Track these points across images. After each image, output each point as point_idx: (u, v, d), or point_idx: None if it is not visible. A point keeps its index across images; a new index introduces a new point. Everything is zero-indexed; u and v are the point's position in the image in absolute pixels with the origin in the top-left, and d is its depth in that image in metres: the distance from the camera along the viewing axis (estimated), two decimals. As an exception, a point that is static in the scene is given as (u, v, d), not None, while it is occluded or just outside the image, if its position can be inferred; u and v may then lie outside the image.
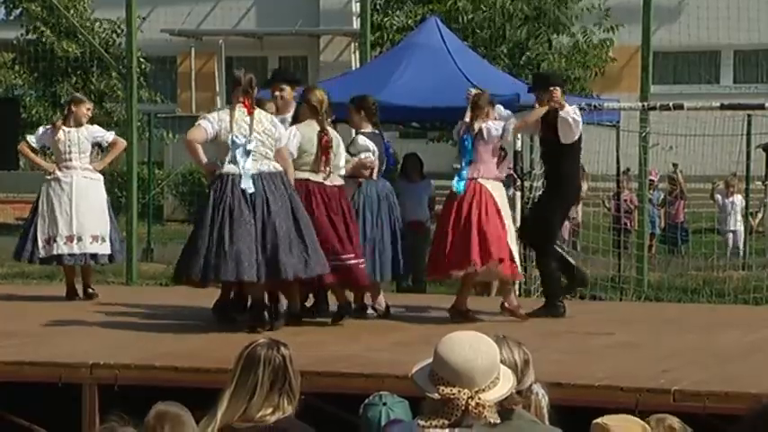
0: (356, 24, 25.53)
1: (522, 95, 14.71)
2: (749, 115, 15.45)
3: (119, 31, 25.41)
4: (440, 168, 23.78)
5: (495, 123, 10.60)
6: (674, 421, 4.56)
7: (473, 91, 10.93)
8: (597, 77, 23.84)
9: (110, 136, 12.32)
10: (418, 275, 15.72)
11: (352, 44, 29.82)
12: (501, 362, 3.89)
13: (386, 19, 24.79)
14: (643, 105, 14.46)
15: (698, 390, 7.52)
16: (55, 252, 11.84)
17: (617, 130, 15.89)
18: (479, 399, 3.68)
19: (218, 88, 32.49)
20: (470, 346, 3.76)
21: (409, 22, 24.14)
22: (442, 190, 22.64)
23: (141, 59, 17.59)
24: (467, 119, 10.66)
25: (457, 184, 10.52)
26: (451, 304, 10.60)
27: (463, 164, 10.64)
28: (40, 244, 11.84)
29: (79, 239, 11.80)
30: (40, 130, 12.60)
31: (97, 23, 26.14)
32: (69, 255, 11.85)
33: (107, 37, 25.97)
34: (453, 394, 3.67)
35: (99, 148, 12.88)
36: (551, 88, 10.57)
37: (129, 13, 15.96)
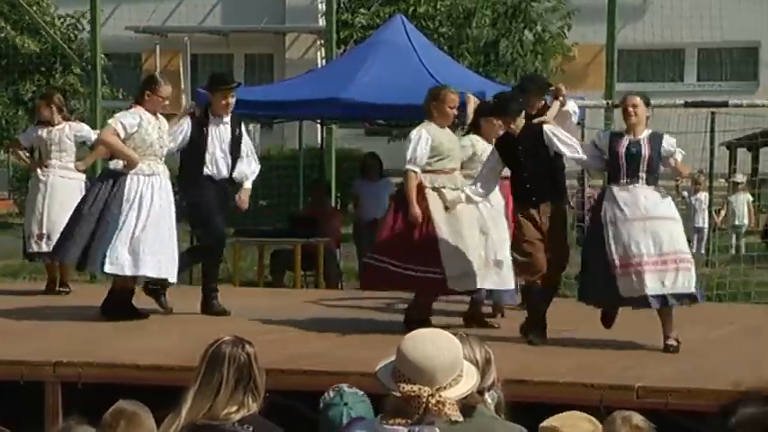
0: (322, 22, 25.47)
1: (488, 93, 14.75)
2: (713, 113, 15.51)
3: (80, 27, 25.27)
4: (404, 165, 23.76)
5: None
6: (639, 420, 4.57)
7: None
8: (560, 75, 23.91)
9: (94, 135, 12.22)
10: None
11: (318, 42, 29.78)
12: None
13: (352, 17, 24.79)
14: (608, 103, 14.50)
15: (661, 386, 7.57)
16: (29, 250, 12.05)
17: (581, 127, 15.93)
18: (440, 396, 3.68)
19: (183, 86, 32.34)
20: (432, 344, 3.76)
21: (376, 20, 24.14)
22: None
23: (103, 56, 17.49)
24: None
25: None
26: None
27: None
28: (27, 241, 12.09)
29: (48, 238, 11.80)
30: (29, 128, 12.71)
31: (60, 20, 25.98)
32: (38, 253, 11.96)
33: (69, 33, 25.81)
34: (414, 392, 3.67)
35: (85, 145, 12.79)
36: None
37: (93, 9, 15.87)
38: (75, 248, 10.26)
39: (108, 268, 10.20)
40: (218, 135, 10.58)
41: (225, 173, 10.62)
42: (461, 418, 3.73)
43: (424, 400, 3.67)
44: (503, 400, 4.65)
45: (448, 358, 3.75)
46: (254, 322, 10.14)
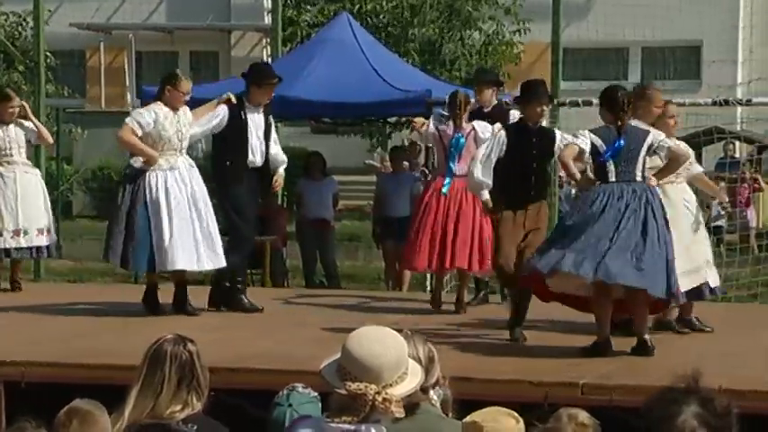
0: (268, 20, 25.41)
1: (434, 91, 14.79)
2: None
3: (24, 24, 25.03)
4: (350, 163, 23.81)
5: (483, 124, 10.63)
6: (585, 417, 4.60)
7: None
8: (507, 79, 24.05)
9: (36, 131, 12.43)
10: (330, 271, 15.77)
11: (264, 40, 29.70)
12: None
13: (298, 14, 24.75)
14: (553, 101, 14.57)
15: (605, 383, 7.63)
16: (2, 246, 12.01)
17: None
18: (386, 394, 3.70)
19: (127, 83, 32.17)
20: (378, 342, 3.77)
21: (321, 18, 24.12)
22: (351, 185, 22.76)
23: (47, 53, 17.34)
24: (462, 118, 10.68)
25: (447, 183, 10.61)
26: (431, 296, 11.05)
27: (451, 162, 10.69)
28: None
29: (26, 233, 11.91)
30: None
31: (3, 17, 25.72)
32: (16, 248, 12.04)
33: (13, 31, 25.56)
34: (360, 390, 3.69)
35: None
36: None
37: (36, 6, 15.75)
38: (114, 249, 10.40)
39: (144, 266, 10.42)
40: (255, 123, 10.76)
41: (260, 161, 10.76)
42: (402, 415, 3.74)
43: (371, 397, 3.69)
44: (450, 398, 4.68)
45: (393, 356, 3.76)
46: (201, 321, 10.11)
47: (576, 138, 8.71)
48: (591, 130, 8.72)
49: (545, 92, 9.66)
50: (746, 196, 20.59)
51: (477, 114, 10.93)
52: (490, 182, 9.43)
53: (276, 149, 10.93)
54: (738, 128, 22.42)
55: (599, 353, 8.48)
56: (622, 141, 8.61)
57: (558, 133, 9.67)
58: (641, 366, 8.18)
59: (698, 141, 21.34)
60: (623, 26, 25.16)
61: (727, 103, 14.33)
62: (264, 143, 10.79)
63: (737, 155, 22.94)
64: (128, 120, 10.53)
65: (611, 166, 8.58)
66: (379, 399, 3.68)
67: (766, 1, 30.48)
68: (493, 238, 9.82)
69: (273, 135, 11.00)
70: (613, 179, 8.56)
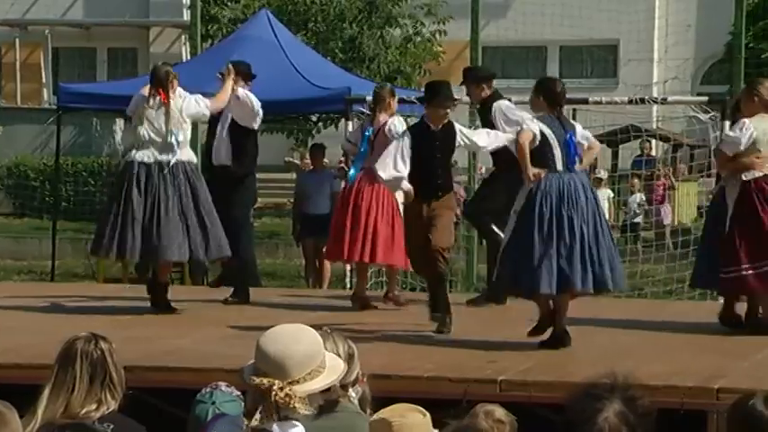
0: (187, 16, 25.25)
1: (354, 88, 14.80)
2: (574, 109, 15.76)
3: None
4: (271, 160, 23.72)
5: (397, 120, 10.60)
6: (502, 414, 4.62)
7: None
8: (427, 76, 24.13)
9: None
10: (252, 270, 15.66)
11: (183, 36, 29.52)
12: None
13: (219, 11, 24.62)
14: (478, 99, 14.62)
15: (523, 379, 7.67)
16: None
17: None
18: (289, 389, 3.69)
19: (44, 79, 31.80)
20: (289, 339, 3.78)
21: (244, 14, 24.02)
22: (271, 183, 22.70)
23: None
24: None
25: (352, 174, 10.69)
26: (353, 291, 11.09)
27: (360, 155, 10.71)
28: None
29: None
30: None
31: None
32: None
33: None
34: (264, 384, 3.69)
35: None
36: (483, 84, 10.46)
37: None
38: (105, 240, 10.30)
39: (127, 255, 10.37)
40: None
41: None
42: (313, 412, 3.74)
43: (274, 392, 3.69)
44: (367, 395, 4.68)
45: (302, 353, 3.76)
46: (118, 319, 10.02)
47: (525, 124, 8.75)
48: (537, 118, 8.76)
49: (449, 95, 9.59)
50: (662, 194, 20.83)
51: (479, 111, 10.91)
52: (405, 173, 9.42)
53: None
54: (654, 126, 22.69)
55: (559, 343, 8.59)
56: (570, 131, 8.75)
57: (457, 127, 9.67)
58: (560, 362, 8.25)
59: (615, 139, 21.61)
60: (542, 25, 25.38)
61: (643, 101, 14.48)
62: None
63: (653, 153, 23.20)
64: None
65: (558, 155, 8.66)
66: (282, 394, 3.68)
67: (682, 1, 30.90)
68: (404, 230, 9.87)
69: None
70: (560, 168, 8.65)
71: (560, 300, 8.68)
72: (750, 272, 9.12)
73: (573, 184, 8.61)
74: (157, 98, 10.26)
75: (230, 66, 10.89)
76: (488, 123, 10.43)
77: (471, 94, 10.68)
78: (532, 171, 8.54)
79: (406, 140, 9.39)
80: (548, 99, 8.80)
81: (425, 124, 9.54)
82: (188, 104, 10.38)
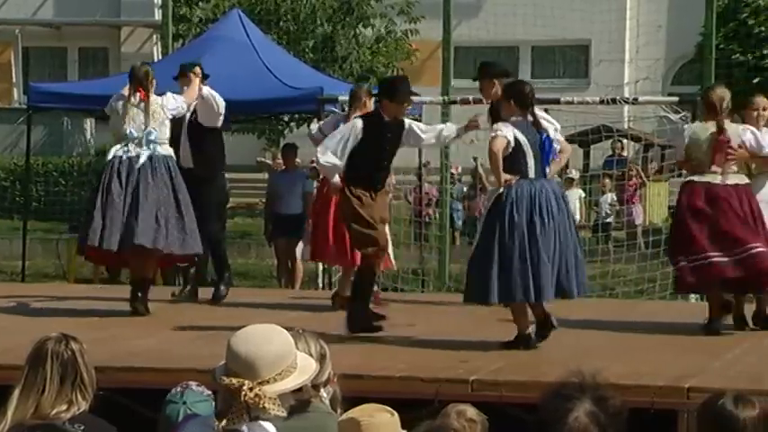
0: (158, 16, 25.19)
1: (326, 88, 14.79)
2: (546, 109, 15.78)
3: None
4: (243, 160, 23.69)
5: None
6: (474, 413, 4.63)
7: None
8: (399, 71, 24.11)
9: None
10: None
11: (155, 36, 29.43)
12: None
13: (190, 11, 24.55)
14: (444, 99, 14.66)
15: (495, 379, 7.69)
16: None
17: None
18: (259, 390, 3.69)
19: (14, 79, 31.64)
20: (260, 339, 3.77)
21: (215, 14, 23.96)
22: (243, 182, 22.66)
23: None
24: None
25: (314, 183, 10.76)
26: (334, 292, 11.15)
27: None
28: None
29: None
30: None
31: None
32: None
33: None
34: (233, 384, 3.69)
35: None
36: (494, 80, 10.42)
37: None
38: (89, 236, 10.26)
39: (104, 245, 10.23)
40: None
41: None
42: (285, 413, 3.74)
43: (244, 393, 3.69)
44: (338, 395, 4.68)
45: (272, 353, 3.76)
46: (89, 319, 9.99)
47: (498, 131, 8.64)
48: (512, 123, 8.69)
49: (406, 92, 9.60)
50: (633, 193, 20.89)
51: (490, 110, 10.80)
52: (341, 164, 9.42)
53: None
54: (626, 126, 22.76)
55: (522, 345, 8.60)
56: (545, 136, 8.72)
57: (407, 122, 9.67)
58: (531, 362, 8.26)
59: (586, 139, 21.66)
60: (513, 25, 25.41)
61: (614, 101, 14.54)
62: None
63: (625, 153, 23.28)
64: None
65: (530, 161, 8.63)
66: (251, 394, 3.67)
67: (653, 2, 31.02)
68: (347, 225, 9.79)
69: None
70: (532, 175, 8.63)
71: (534, 307, 8.69)
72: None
73: (545, 192, 8.59)
74: (138, 96, 10.31)
75: (197, 68, 10.90)
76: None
77: (484, 91, 10.52)
78: (504, 177, 8.54)
79: (350, 135, 9.38)
80: (518, 102, 8.77)
81: (379, 115, 9.54)
82: (167, 100, 10.48)
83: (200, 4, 25.02)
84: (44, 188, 25.08)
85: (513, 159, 8.59)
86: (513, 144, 8.57)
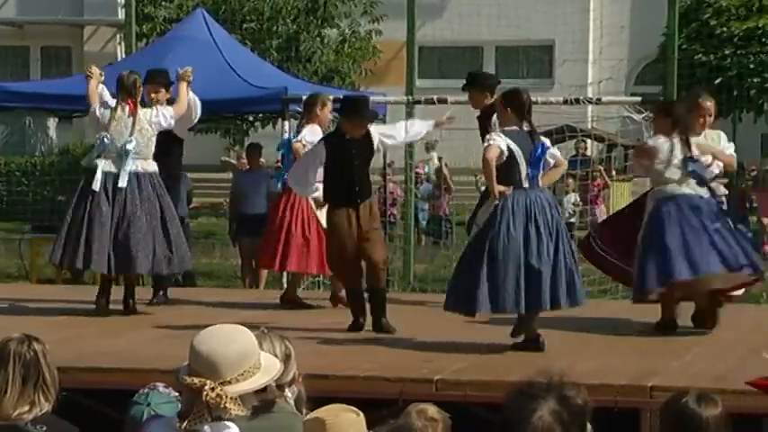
0: (121, 15, 25.08)
1: (291, 88, 14.77)
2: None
3: None
4: (207, 160, 23.65)
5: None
6: (434, 411, 4.64)
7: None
8: (369, 76, 24.20)
9: None
10: (188, 270, 15.58)
11: (118, 35, 29.31)
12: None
13: (154, 9, 24.47)
14: (408, 99, 14.67)
15: (459, 379, 7.71)
16: None
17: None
18: (221, 390, 3.69)
19: (-24, 78, 31.43)
20: (222, 339, 3.77)
21: (179, 13, 23.88)
22: (207, 183, 22.60)
23: None
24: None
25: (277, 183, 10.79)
26: (283, 293, 11.28)
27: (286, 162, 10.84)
28: None
29: None
30: None
31: None
32: None
33: None
34: (195, 384, 3.69)
35: None
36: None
37: None
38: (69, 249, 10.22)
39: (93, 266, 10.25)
40: None
41: None
42: (245, 413, 3.74)
43: (205, 393, 3.68)
44: (303, 396, 4.68)
45: (235, 353, 3.76)
46: (52, 320, 9.94)
47: (492, 140, 8.55)
48: (505, 133, 8.60)
49: (365, 115, 9.61)
50: (597, 194, 20.98)
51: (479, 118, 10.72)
52: (313, 186, 9.44)
53: None
54: (589, 126, 22.85)
55: (533, 348, 8.61)
56: (540, 145, 8.66)
57: (373, 131, 9.66)
58: (495, 362, 8.29)
59: (550, 139, 21.72)
60: (478, 26, 25.45)
61: (578, 101, 14.57)
62: None
63: (589, 153, 23.36)
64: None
65: (524, 171, 8.56)
66: (213, 394, 3.67)
67: (616, 2, 31.16)
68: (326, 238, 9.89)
69: None
70: (526, 185, 8.58)
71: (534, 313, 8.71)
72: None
73: (539, 202, 8.55)
74: (127, 108, 10.19)
75: (188, 69, 10.75)
76: (486, 132, 10.34)
77: (473, 100, 10.45)
78: (498, 188, 8.46)
79: (311, 159, 9.45)
80: (516, 111, 8.69)
81: (342, 133, 9.55)
82: (156, 116, 10.34)
83: (164, 3, 24.93)
84: (6, 188, 24.93)
85: (507, 169, 8.51)
86: (506, 153, 8.50)
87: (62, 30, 31.25)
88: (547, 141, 8.95)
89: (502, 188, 8.43)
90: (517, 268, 8.43)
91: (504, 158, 8.48)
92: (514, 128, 8.63)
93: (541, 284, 8.46)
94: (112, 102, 10.34)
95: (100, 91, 10.41)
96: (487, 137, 8.70)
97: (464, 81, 10.48)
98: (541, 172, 8.71)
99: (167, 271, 10.45)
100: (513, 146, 8.53)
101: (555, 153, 8.99)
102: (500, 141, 8.51)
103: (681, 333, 9.47)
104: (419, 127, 9.93)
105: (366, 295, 9.66)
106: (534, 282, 8.45)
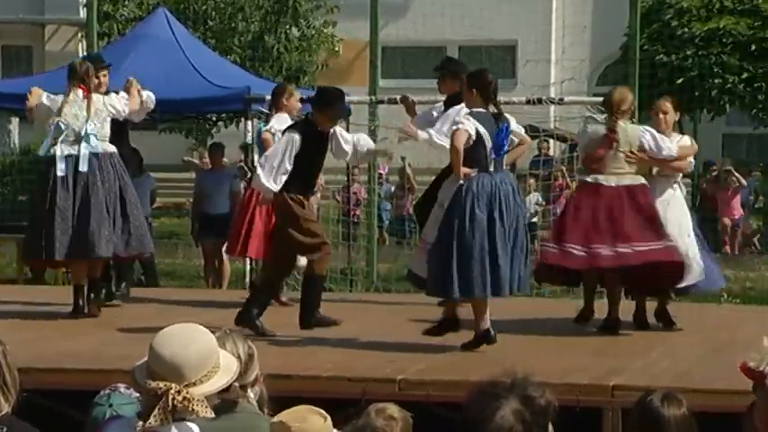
0: (82, 14, 24.93)
1: (254, 88, 14.74)
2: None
3: None
4: (170, 160, 23.56)
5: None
6: (395, 410, 4.64)
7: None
8: (326, 70, 24.11)
9: None
10: (149, 269, 15.56)
11: (79, 34, 29.14)
12: None
13: (114, 8, 24.35)
14: (371, 99, 14.68)
15: (422, 378, 7.71)
16: None
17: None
18: (187, 392, 3.67)
19: (-64, 77, 31.18)
20: (183, 340, 3.75)
21: (138, 12, 23.79)
22: (170, 182, 22.52)
23: None
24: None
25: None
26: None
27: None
28: None
29: None
30: None
31: None
32: None
33: None
34: (160, 388, 3.66)
35: None
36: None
37: None
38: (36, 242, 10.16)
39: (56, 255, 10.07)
40: None
41: None
42: (211, 414, 3.72)
43: (171, 396, 3.66)
44: (265, 396, 4.67)
45: (197, 355, 3.74)
46: (13, 320, 9.87)
47: (460, 124, 8.50)
48: (471, 114, 8.57)
49: (340, 109, 9.62)
50: (559, 193, 21.04)
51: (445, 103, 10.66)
52: (276, 188, 9.37)
53: None
54: (552, 126, 22.92)
55: (485, 342, 8.63)
56: (504, 126, 8.64)
57: (337, 131, 9.64)
58: (458, 362, 8.30)
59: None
60: (441, 25, 25.52)
61: (540, 101, 14.63)
62: None
63: (551, 152, 23.44)
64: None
65: (490, 155, 8.56)
66: (180, 397, 3.65)
67: (578, 3, 31.27)
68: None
69: None
70: (492, 168, 8.57)
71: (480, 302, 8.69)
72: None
73: (504, 186, 8.56)
74: (79, 92, 10.14)
75: (133, 81, 10.74)
76: None
77: (443, 85, 10.44)
78: (464, 170, 8.45)
79: (288, 151, 9.36)
80: (481, 93, 8.66)
81: (314, 126, 9.49)
82: (111, 99, 10.35)
83: (125, 2, 24.82)
84: (-33, 188, 24.72)
85: (474, 152, 8.48)
86: (474, 137, 8.49)
87: (23, 29, 31.04)
88: (512, 121, 8.91)
89: (467, 170, 8.44)
90: (483, 253, 8.43)
91: (472, 142, 8.48)
92: (482, 110, 8.63)
93: (505, 269, 8.48)
94: (57, 96, 10.27)
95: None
96: (456, 119, 8.67)
97: (428, 81, 10.54)
98: (506, 153, 8.75)
99: (126, 253, 10.23)
100: (482, 129, 8.51)
101: (519, 131, 9.01)
102: (468, 126, 8.49)
103: (643, 333, 9.50)
104: (362, 147, 9.79)
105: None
106: (498, 266, 8.47)
